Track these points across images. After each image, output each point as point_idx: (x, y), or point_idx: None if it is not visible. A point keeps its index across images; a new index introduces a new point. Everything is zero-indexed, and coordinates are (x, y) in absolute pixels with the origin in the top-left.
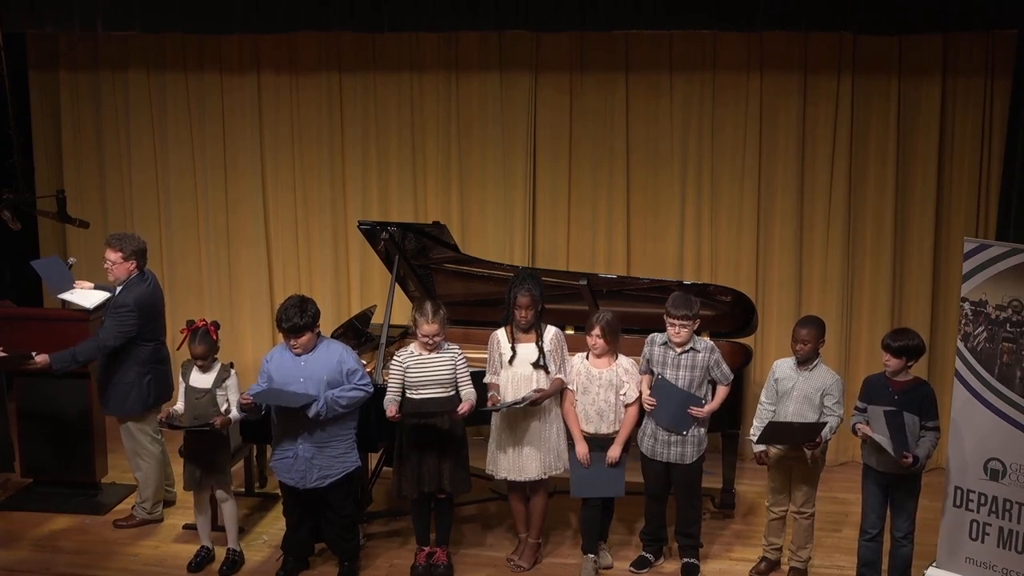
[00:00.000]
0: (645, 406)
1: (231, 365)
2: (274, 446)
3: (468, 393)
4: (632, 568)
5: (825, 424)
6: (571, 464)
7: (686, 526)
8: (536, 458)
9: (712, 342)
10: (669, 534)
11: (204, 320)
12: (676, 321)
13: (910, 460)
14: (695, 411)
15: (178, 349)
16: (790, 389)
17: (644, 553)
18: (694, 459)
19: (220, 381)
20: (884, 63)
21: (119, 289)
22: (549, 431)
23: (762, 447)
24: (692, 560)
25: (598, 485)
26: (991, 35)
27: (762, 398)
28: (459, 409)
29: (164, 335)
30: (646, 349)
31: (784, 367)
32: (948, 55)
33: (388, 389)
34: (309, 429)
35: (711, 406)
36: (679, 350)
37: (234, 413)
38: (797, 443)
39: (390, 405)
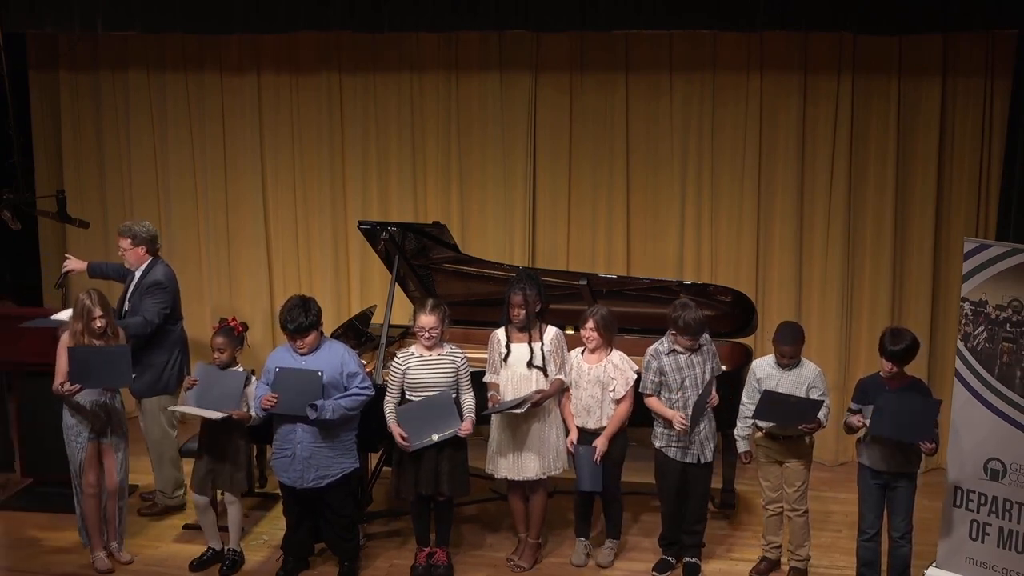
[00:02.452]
0: (677, 426)
1: (252, 372)
2: (274, 445)
3: (468, 401)
4: (655, 571)
5: (822, 403)
6: (576, 458)
7: (692, 524)
8: (536, 458)
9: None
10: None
11: (235, 319)
12: (694, 340)
13: (934, 447)
14: (710, 403)
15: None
16: (775, 387)
17: (666, 556)
18: (710, 459)
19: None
20: (884, 63)
21: (138, 273)
22: (549, 432)
23: (747, 447)
24: (694, 560)
25: (583, 479)
26: (991, 35)
27: (744, 399)
28: (461, 429)
29: (182, 319)
30: (654, 364)
31: (764, 367)
32: (948, 55)
33: (388, 392)
34: (308, 429)
35: (714, 399)
36: (687, 352)
37: (253, 415)
38: (792, 423)
39: (393, 426)
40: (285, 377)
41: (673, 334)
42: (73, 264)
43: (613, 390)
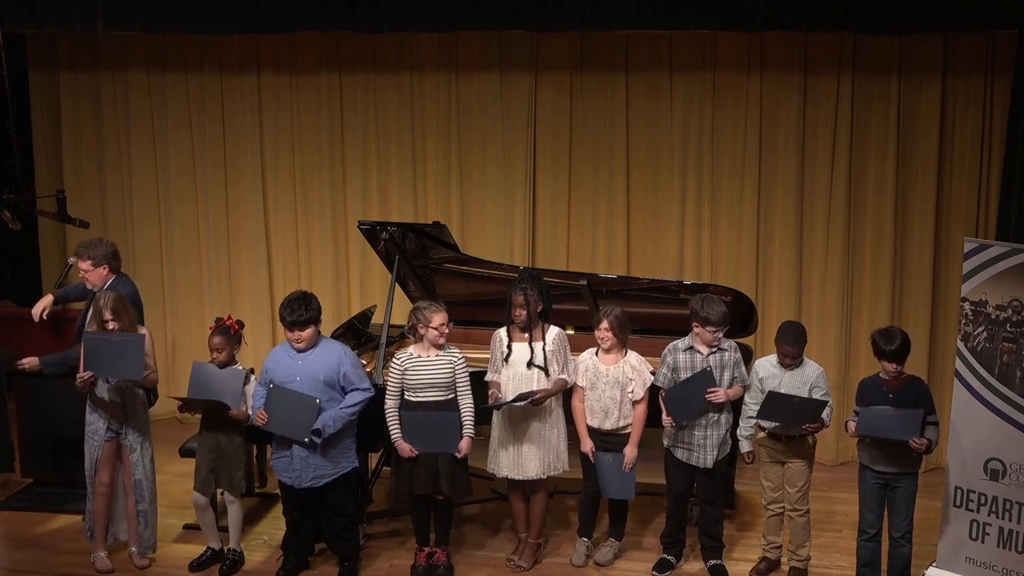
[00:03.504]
0: (666, 424)
1: (252, 371)
2: (274, 445)
3: (467, 409)
4: (655, 571)
5: (825, 403)
6: (598, 466)
7: (709, 526)
8: (536, 458)
9: (735, 341)
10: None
11: (230, 317)
12: (717, 330)
13: (924, 445)
14: (712, 395)
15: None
16: (777, 386)
17: (665, 556)
18: (710, 466)
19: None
20: (884, 63)
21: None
22: (550, 431)
23: (750, 447)
24: (718, 561)
25: (612, 487)
26: (991, 35)
27: (747, 398)
28: (458, 453)
29: None
30: (668, 358)
31: (767, 366)
32: (948, 55)
33: (387, 393)
34: None
35: (725, 393)
36: (706, 351)
37: (251, 415)
38: (795, 423)
39: (400, 443)
40: (279, 396)
41: (696, 330)
42: (41, 304)
43: (632, 391)
